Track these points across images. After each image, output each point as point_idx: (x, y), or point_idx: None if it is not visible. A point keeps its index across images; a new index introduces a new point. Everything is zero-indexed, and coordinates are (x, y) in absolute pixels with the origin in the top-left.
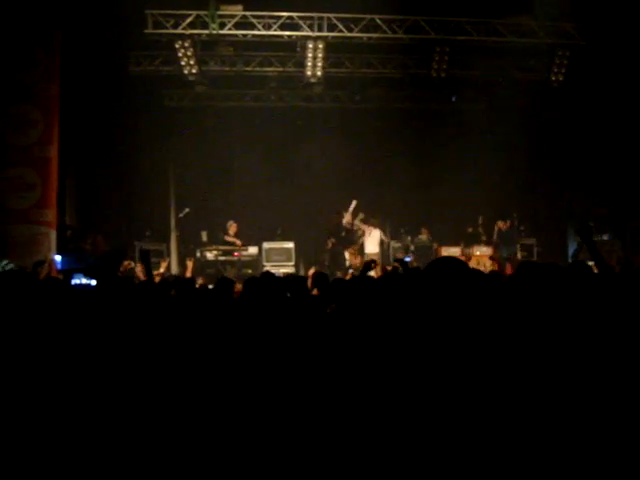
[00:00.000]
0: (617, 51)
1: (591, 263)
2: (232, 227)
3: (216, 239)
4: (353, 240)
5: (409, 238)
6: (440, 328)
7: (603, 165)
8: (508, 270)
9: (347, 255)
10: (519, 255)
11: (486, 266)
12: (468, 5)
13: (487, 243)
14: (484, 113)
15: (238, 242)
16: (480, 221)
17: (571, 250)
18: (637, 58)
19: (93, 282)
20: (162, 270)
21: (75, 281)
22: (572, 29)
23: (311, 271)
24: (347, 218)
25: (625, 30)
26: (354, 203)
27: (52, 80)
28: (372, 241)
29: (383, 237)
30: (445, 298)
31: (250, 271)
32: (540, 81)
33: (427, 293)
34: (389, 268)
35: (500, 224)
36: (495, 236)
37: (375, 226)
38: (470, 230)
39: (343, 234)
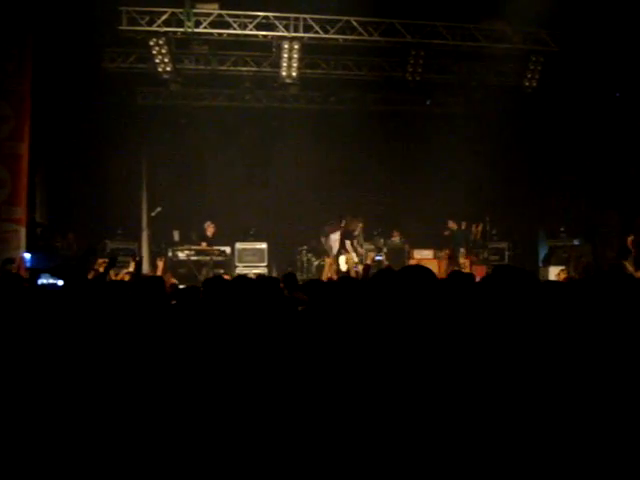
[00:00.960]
0: (589, 58)
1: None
2: (209, 228)
3: (188, 239)
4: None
5: (382, 240)
6: (401, 329)
7: (575, 170)
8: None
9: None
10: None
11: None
12: (444, 9)
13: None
14: (458, 117)
15: (205, 246)
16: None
17: (542, 254)
18: (608, 65)
19: (60, 282)
20: (131, 269)
21: (42, 281)
22: (546, 35)
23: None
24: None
25: (597, 37)
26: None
27: (24, 76)
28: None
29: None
30: (409, 303)
31: (222, 271)
32: (514, 86)
33: (394, 299)
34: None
35: (451, 224)
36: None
37: (336, 230)
38: (447, 233)
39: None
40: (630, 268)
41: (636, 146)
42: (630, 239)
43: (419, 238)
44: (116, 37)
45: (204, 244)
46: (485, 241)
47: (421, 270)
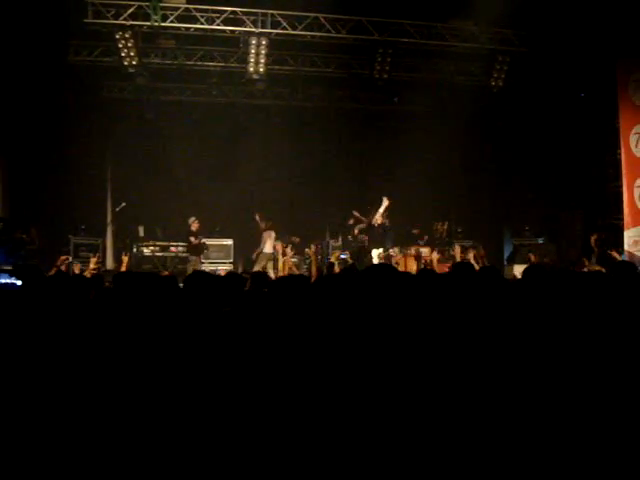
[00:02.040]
0: (555, 58)
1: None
2: (194, 224)
3: (153, 234)
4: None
5: (349, 237)
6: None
7: (540, 169)
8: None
9: (375, 255)
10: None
11: (434, 265)
12: (412, 8)
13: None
14: (425, 115)
15: (195, 241)
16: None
17: (507, 253)
18: (574, 66)
19: (18, 282)
20: (92, 266)
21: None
22: (512, 36)
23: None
24: (378, 218)
25: (563, 38)
26: (385, 202)
27: None
28: (270, 242)
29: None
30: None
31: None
32: (480, 85)
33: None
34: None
35: (355, 217)
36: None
37: (270, 228)
38: (416, 232)
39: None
40: (592, 266)
41: (599, 146)
42: (593, 238)
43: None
44: (82, 30)
45: (193, 239)
46: (450, 239)
47: (384, 269)
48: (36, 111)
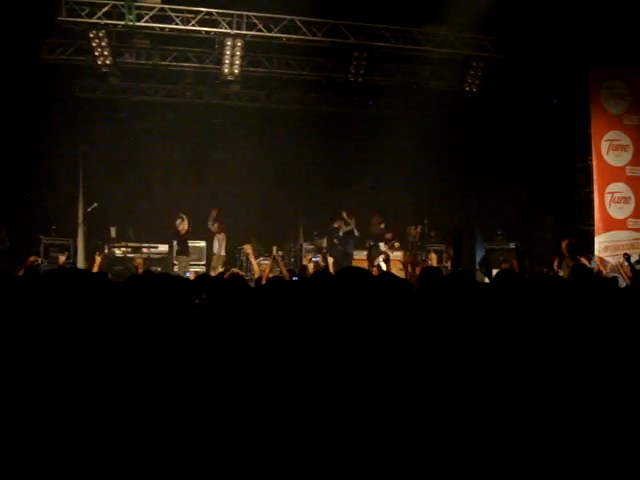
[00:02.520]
0: (529, 65)
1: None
2: (183, 223)
3: (125, 235)
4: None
5: (325, 240)
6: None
7: (512, 175)
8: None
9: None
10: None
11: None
12: (388, 13)
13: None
14: (399, 119)
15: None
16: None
17: (478, 257)
18: (547, 72)
19: None
20: (60, 264)
21: None
22: (487, 42)
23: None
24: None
25: (537, 45)
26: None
27: None
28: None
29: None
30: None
31: (160, 269)
32: (455, 91)
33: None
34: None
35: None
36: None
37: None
38: (389, 236)
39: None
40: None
41: (571, 152)
42: (564, 244)
43: (357, 239)
44: (55, 28)
45: (216, 225)
46: (423, 243)
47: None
48: (7, 109)
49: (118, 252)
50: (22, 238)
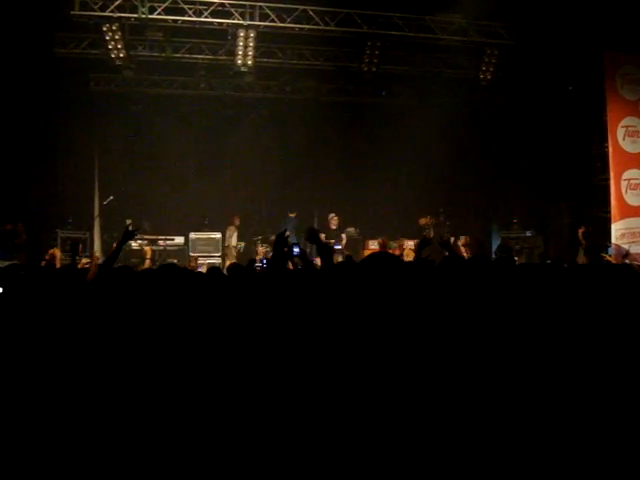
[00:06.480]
0: (543, 51)
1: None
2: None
3: (141, 227)
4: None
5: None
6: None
7: (528, 162)
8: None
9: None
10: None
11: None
12: (401, 1)
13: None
14: (413, 109)
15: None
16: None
17: (494, 246)
18: (562, 59)
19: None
20: (84, 260)
21: None
22: (501, 29)
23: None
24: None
25: (551, 31)
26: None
27: None
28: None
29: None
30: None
31: (176, 261)
32: (469, 78)
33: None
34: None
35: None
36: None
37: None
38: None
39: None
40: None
41: (586, 139)
42: (581, 231)
43: (374, 227)
44: (68, 22)
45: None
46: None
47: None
48: (22, 104)
49: (134, 244)
50: (38, 232)
